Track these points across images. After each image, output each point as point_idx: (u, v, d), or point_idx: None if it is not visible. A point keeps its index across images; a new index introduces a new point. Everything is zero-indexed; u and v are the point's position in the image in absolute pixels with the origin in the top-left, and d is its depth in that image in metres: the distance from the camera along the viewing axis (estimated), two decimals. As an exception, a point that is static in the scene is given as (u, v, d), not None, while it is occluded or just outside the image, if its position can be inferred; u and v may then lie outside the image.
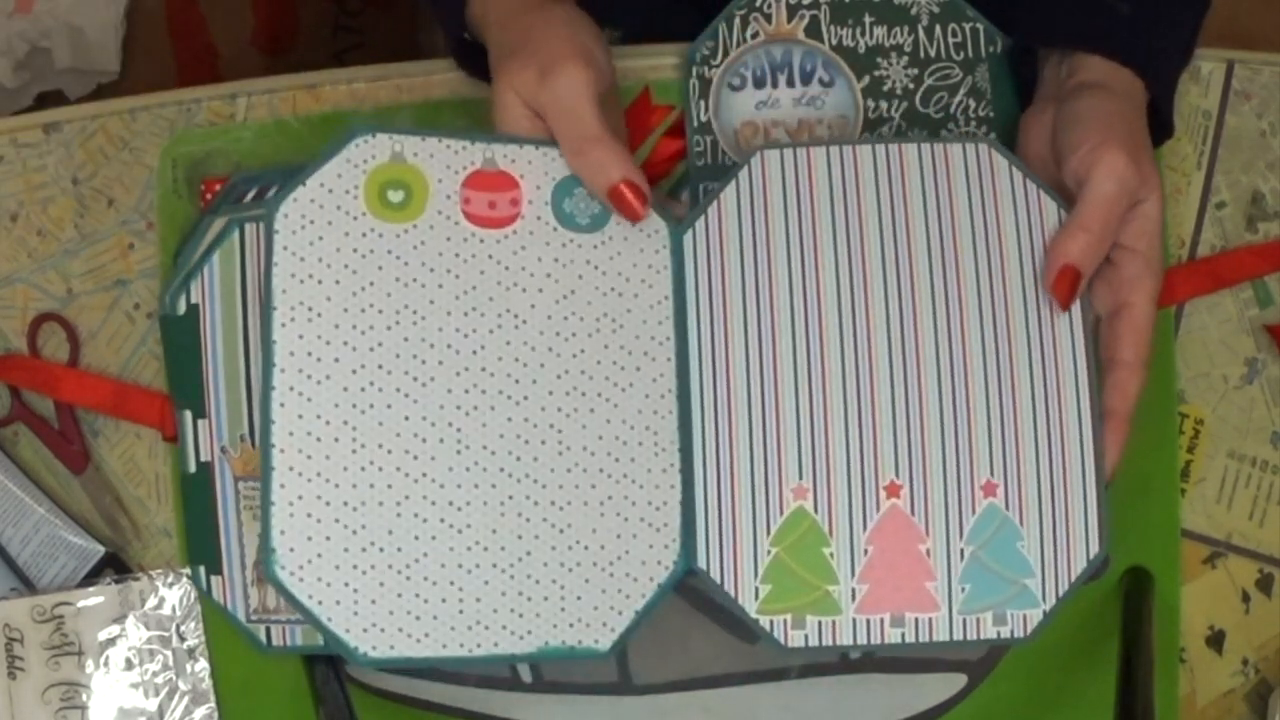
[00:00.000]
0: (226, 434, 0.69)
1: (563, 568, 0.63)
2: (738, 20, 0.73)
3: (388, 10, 1.36)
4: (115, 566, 0.72)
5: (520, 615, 0.62)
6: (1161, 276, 0.64)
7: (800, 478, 0.63)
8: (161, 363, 0.72)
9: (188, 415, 0.69)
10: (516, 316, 0.64)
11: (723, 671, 0.71)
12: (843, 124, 0.73)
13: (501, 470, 0.62)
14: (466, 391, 0.63)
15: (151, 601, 0.71)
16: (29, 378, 0.73)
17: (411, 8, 1.36)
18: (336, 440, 0.61)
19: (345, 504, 0.61)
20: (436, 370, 0.62)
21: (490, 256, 0.64)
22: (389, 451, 0.62)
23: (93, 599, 0.71)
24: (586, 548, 0.63)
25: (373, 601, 0.61)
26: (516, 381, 0.63)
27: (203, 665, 0.71)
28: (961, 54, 0.73)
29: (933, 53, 0.73)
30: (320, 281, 0.62)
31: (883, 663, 0.70)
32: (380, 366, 0.62)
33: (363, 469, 0.61)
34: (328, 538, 0.60)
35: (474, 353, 0.63)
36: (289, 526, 0.60)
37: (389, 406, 0.62)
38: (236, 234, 0.69)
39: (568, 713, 0.71)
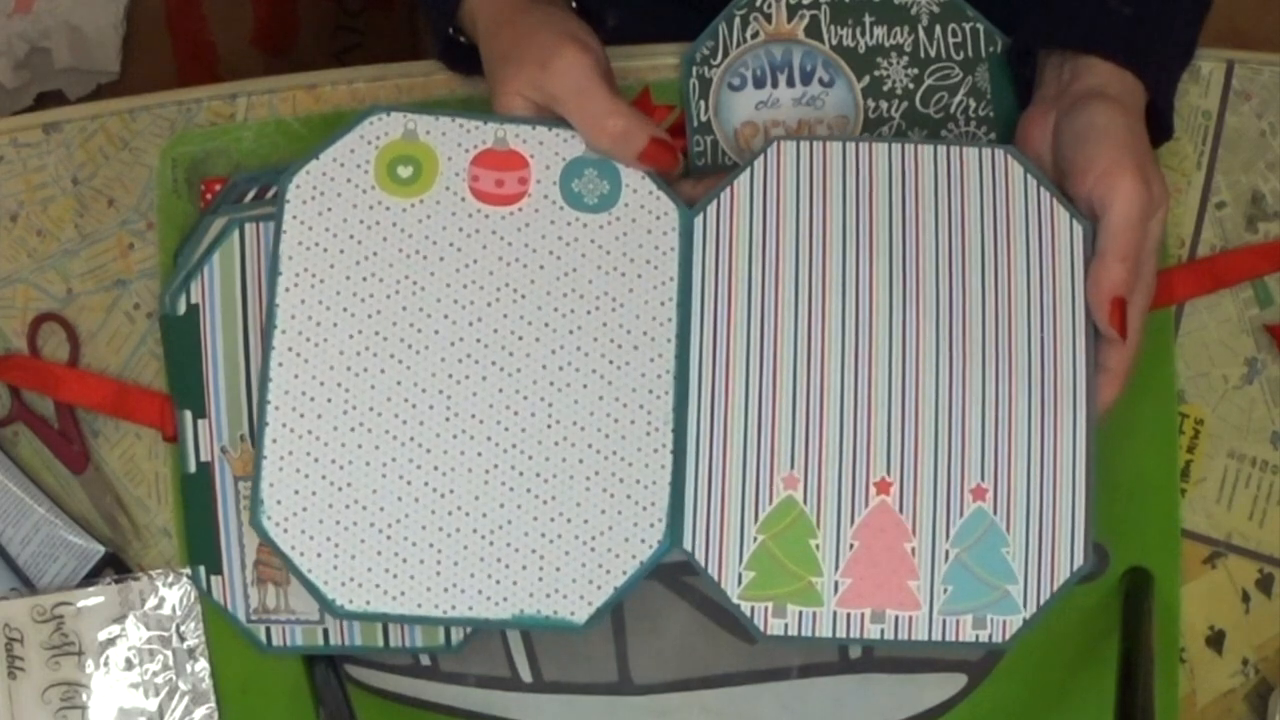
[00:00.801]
0: (226, 434, 0.69)
1: (543, 538, 0.64)
2: (738, 20, 0.73)
3: (388, 10, 1.36)
4: (115, 566, 0.72)
5: (497, 582, 0.63)
6: (1154, 290, 0.64)
7: (792, 467, 0.63)
8: (161, 363, 0.72)
9: (188, 415, 0.69)
10: (515, 291, 0.65)
11: (723, 671, 0.71)
12: (843, 124, 0.73)
13: (489, 439, 0.64)
14: (460, 361, 0.64)
15: (151, 601, 0.71)
16: (29, 378, 0.73)
17: (411, 8, 1.36)
18: (329, 401, 0.64)
19: (333, 462, 0.63)
20: (431, 339, 0.64)
21: (494, 232, 0.65)
22: (379, 415, 0.64)
23: (93, 599, 0.71)
24: (569, 520, 0.64)
25: (353, 557, 0.63)
26: (510, 354, 0.64)
27: (203, 665, 0.71)
28: (961, 54, 0.73)
29: (933, 53, 0.73)
30: (325, 250, 0.64)
31: (883, 662, 0.71)
32: (377, 333, 0.64)
33: (352, 430, 0.64)
34: (314, 493, 0.63)
35: (470, 324, 0.64)
36: (278, 480, 0.63)
37: (382, 371, 0.64)
38: (236, 234, 0.69)
39: (568, 713, 0.71)
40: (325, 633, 0.69)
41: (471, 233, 0.65)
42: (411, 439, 0.64)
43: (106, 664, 0.71)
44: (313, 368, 0.64)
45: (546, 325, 0.65)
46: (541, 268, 0.65)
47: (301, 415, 0.63)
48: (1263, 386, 0.72)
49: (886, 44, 0.73)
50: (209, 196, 0.73)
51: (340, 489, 0.63)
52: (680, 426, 0.64)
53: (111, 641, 0.71)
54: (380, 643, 0.69)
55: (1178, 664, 0.71)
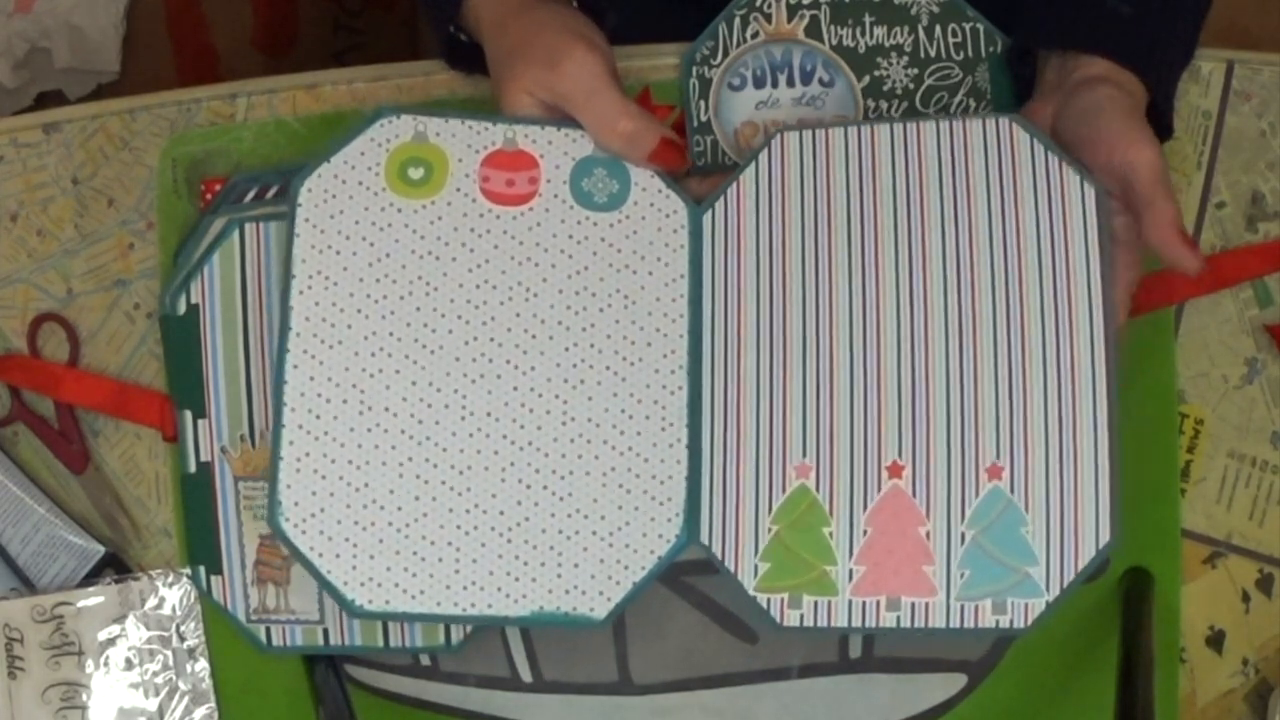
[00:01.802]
0: (226, 434, 0.69)
1: (561, 535, 0.64)
2: (738, 20, 0.73)
3: (388, 10, 1.36)
4: (115, 566, 0.72)
5: (516, 579, 0.63)
6: (1140, 272, 0.64)
7: (804, 455, 0.62)
8: (161, 363, 0.72)
9: (188, 415, 0.69)
10: (528, 290, 0.65)
11: (723, 671, 0.71)
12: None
13: (504, 437, 0.64)
14: (474, 360, 0.64)
15: (151, 601, 0.71)
16: (29, 378, 0.73)
17: (411, 8, 1.36)
18: (345, 402, 0.64)
19: (350, 462, 0.63)
20: (446, 339, 0.64)
21: (506, 232, 0.65)
22: (395, 415, 0.64)
23: (93, 599, 0.71)
24: (586, 517, 0.64)
25: (371, 557, 0.63)
26: (525, 352, 0.64)
27: (203, 665, 0.71)
28: (961, 54, 0.73)
29: (933, 53, 0.73)
30: (339, 252, 0.65)
31: (883, 662, 0.70)
32: (391, 334, 0.64)
33: (369, 430, 0.64)
34: (331, 494, 0.63)
35: (484, 323, 0.65)
36: (295, 481, 0.63)
37: (397, 372, 0.64)
38: (236, 234, 0.69)
39: (568, 713, 0.71)
40: (325, 633, 0.69)
41: (483, 233, 0.65)
42: (427, 438, 0.64)
43: (106, 664, 0.71)
44: (328, 369, 0.64)
45: (559, 324, 0.65)
46: (553, 267, 0.65)
47: (317, 417, 0.64)
48: (1263, 386, 0.72)
49: (886, 44, 0.73)
50: (209, 196, 0.73)
51: (357, 489, 0.63)
52: (695, 421, 0.64)
53: (111, 641, 0.71)
54: (380, 643, 0.69)
55: (1178, 664, 0.71)
